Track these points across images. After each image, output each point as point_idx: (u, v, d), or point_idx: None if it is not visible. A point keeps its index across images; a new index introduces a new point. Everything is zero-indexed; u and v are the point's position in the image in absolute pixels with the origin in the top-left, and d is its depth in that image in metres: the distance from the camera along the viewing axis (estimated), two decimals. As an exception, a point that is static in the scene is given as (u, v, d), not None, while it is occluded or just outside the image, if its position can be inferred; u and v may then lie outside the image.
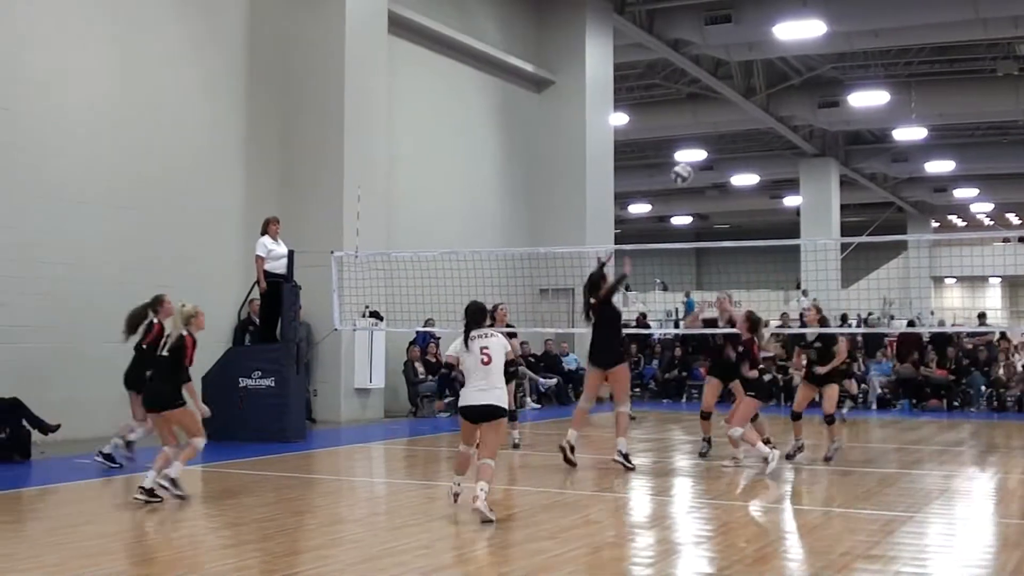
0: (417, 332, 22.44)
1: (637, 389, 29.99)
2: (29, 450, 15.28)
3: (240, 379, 17.74)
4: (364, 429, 19.98)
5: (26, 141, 17.08)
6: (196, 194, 19.88)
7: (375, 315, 20.60)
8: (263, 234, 18.22)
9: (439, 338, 23.42)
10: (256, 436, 17.00)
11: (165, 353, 12.08)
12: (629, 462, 14.23)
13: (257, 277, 18.15)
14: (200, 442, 12.02)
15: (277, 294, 18.14)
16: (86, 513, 11.20)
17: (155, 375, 12.30)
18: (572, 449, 14.47)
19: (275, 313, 18.27)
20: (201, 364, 17.83)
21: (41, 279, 16.99)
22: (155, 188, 19.09)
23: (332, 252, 19.46)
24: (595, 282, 14.68)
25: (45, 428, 15.57)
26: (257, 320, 19.00)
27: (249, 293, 19.17)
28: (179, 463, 11.73)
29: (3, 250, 16.60)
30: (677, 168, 19.96)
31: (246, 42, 21.11)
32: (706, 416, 16.00)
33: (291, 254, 18.41)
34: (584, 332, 26.17)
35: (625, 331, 29.99)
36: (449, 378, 22.56)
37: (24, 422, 15.41)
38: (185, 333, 12.01)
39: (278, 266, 18.21)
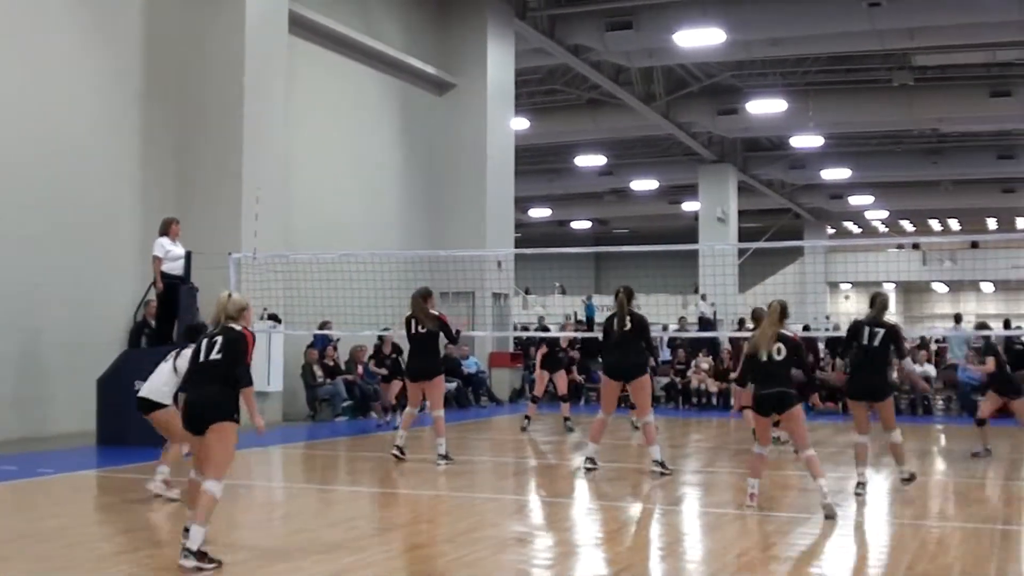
0: (315, 335, 22.29)
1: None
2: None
3: (136, 382, 17.39)
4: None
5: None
6: (92, 194, 19.53)
7: (273, 317, 20.42)
8: (162, 235, 18.00)
9: (337, 340, 23.29)
10: (151, 440, 16.72)
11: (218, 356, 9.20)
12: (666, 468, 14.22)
13: (154, 278, 17.94)
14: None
15: (174, 295, 17.92)
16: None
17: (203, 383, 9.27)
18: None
19: (172, 315, 18.05)
20: (97, 366, 17.66)
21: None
22: (49, 187, 18.72)
23: (230, 254, 19.27)
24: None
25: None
26: (153, 322, 18.74)
27: (145, 294, 18.91)
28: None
29: None
30: None
31: (143, 39, 20.79)
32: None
33: (188, 255, 18.20)
34: (483, 335, 26.28)
35: (527, 335, 30.21)
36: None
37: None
38: (240, 328, 9.36)
39: (175, 267, 18.01)
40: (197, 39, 21.26)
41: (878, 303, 13.02)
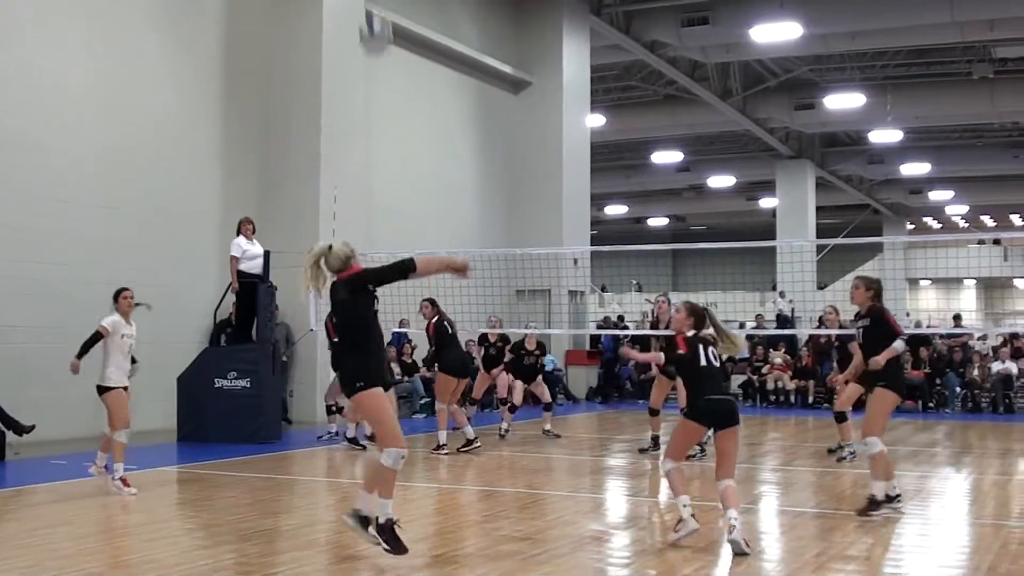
0: (393, 333, 22.39)
1: (616, 391, 30.04)
2: (3, 451, 15.24)
3: (215, 379, 17.70)
4: (340, 430, 19.93)
5: (3, 135, 17.04)
6: (173, 195, 19.83)
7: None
8: (237, 234, 18.22)
9: (411, 340, 23.40)
10: (231, 437, 16.98)
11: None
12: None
13: (231, 277, 18.16)
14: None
15: (253, 294, 18.11)
16: (61, 514, 11.15)
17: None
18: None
19: (251, 313, 18.24)
20: (177, 365, 17.89)
21: (15, 278, 16.91)
22: (132, 188, 19.04)
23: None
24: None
25: (19, 429, 15.51)
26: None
27: (225, 293, 19.13)
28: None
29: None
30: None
31: (224, 42, 21.05)
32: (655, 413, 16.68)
33: (267, 254, 18.38)
34: (561, 333, 26.23)
35: (602, 332, 30.13)
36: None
37: (-2, 423, 15.37)
38: None
39: (253, 266, 18.19)
40: (275, 41, 21.51)
41: None
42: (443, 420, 16.46)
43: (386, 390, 8.83)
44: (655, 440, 16.48)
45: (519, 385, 19.38)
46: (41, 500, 12.39)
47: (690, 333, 9.98)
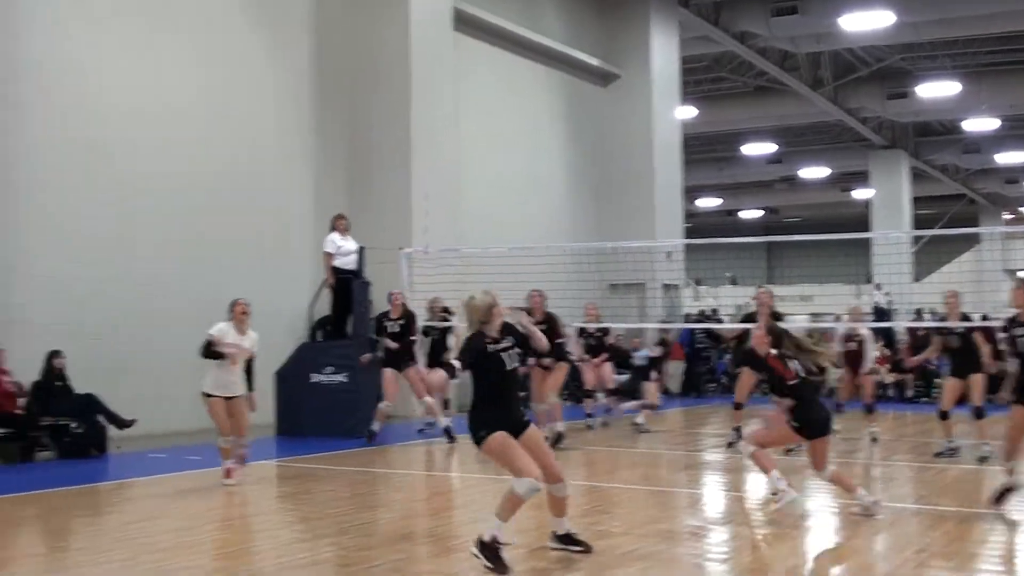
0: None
1: (712, 384, 29.79)
2: (105, 445, 15.52)
3: (312, 375, 17.87)
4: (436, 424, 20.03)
5: (108, 140, 17.48)
6: (268, 194, 20.09)
7: (445, 311, 20.59)
8: (332, 231, 18.39)
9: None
10: (328, 431, 17.11)
11: None
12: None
13: (326, 273, 18.34)
14: None
15: (347, 290, 18.26)
16: (160, 507, 11.32)
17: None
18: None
19: (346, 309, 18.40)
20: (274, 360, 18.05)
21: (115, 278, 17.21)
22: (229, 189, 19.31)
23: (401, 248, 19.53)
24: None
25: (121, 423, 15.78)
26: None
27: (320, 289, 19.30)
28: None
29: (80, 248, 16.87)
30: None
31: (313, 43, 21.24)
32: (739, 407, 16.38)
33: (361, 250, 18.52)
34: (652, 327, 26.00)
35: (695, 326, 29.93)
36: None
37: (100, 417, 15.64)
38: None
39: (347, 262, 18.35)
40: (364, 40, 21.64)
41: None
42: (559, 411, 16.18)
43: (521, 429, 8.65)
44: (738, 431, 16.25)
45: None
46: (140, 494, 12.62)
47: (773, 352, 10.48)
